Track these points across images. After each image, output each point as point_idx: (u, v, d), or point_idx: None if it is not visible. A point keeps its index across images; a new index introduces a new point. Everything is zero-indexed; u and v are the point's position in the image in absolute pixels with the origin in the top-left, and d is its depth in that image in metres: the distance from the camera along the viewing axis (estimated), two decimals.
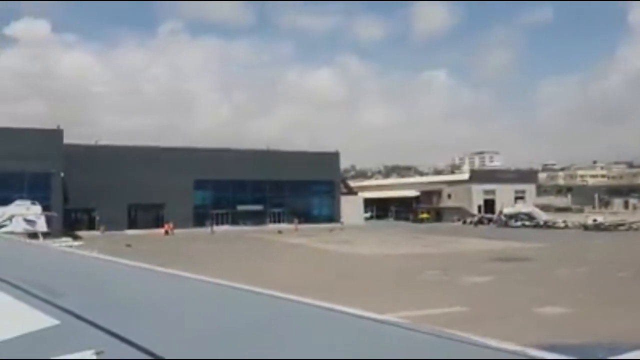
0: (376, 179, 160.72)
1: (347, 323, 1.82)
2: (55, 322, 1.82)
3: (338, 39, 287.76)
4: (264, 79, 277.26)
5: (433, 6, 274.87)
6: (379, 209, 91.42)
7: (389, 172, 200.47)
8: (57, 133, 50.08)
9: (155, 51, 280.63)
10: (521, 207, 67.71)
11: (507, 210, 67.57)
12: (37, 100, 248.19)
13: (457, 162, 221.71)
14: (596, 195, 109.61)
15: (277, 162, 65.77)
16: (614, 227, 57.13)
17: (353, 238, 46.85)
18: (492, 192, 79.89)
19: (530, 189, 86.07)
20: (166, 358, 1.43)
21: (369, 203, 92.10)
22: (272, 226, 64.37)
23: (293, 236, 49.50)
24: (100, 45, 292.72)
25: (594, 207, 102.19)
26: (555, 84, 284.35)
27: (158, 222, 60.11)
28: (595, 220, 59.22)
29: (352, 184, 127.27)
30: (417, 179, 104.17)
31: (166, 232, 56.92)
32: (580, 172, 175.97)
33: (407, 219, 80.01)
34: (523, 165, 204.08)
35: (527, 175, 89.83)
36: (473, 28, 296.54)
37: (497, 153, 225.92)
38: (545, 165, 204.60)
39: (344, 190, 76.16)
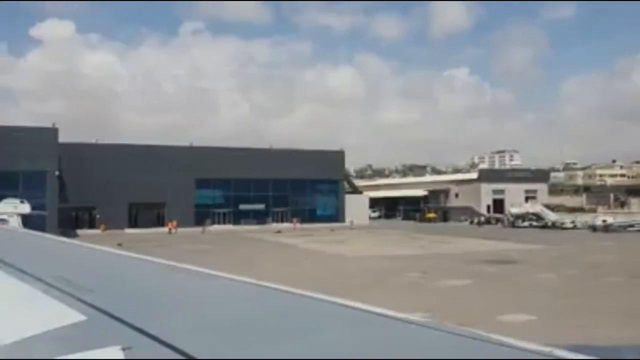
0: (393, 177, 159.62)
1: (366, 320, 1.85)
2: (83, 317, 1.84)
3: (357, 37, 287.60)
4: (283, 78, 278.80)
5: (452, 4, 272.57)
6: (388, 208, 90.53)
7: (406, 171, 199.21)
8: (52, 131, 50.02)
9: (176, 51, 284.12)
10: (529, 207, 65.96)
11: (514, 210, 65.94)
12: (61, 99, 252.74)
13: (476, 161, 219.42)
14: (611, 195, 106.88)
15: (280, 160, 65.18)
16: (624, 228, 55.33)
17: (350, 238, 46.01)
18: (502, 191, 78.23)
19: (542, 188, 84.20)
20: (192, 355, 1.43)
21: (378, 202, 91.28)
22: (274, 225, 63.75)
23: (289, 236, 48.80)
24: (122, 45, 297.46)
25: (609, 207, 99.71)
26: (578, 82, 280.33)
27: (159, 221, 60.01)
28: (604, 221, 57.40)
29: (365, 182, 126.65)
30: (426, 178, 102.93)
31: (169, 231, 56.98)
32: (599, 172, 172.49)
33: (414, 219, 78.82)
34: (544, 164, 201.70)
35: (538, 175, 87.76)
36: (493, 25, 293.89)
37: (517, 152, 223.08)
38: (567, 164, 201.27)
39: (349, 189, 75.11)
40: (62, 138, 51.19)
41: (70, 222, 54.75)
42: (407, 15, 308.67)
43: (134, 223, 58.73)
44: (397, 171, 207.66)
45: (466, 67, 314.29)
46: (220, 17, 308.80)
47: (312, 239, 45.01)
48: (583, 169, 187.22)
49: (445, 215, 78.18)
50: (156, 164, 58.52)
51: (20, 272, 2.77)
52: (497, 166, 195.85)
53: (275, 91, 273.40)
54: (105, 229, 55.27)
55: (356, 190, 77.10)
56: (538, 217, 64.07)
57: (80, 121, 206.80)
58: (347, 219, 67.28)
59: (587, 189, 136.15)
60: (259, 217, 64.96)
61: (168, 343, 1.52)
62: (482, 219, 68.83)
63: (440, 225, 68.84)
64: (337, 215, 69.20)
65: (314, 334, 1.70)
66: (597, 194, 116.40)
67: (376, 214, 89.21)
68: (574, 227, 59.32)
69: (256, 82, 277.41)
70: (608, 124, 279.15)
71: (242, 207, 64.79)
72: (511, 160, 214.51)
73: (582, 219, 62.17)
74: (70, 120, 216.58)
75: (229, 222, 63.64)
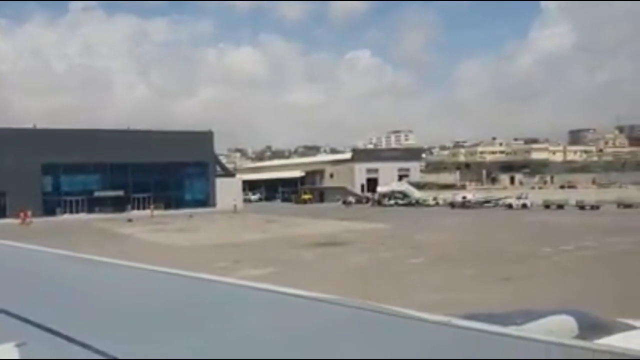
0: (292, 159, 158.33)
1: (286, 303, 1.85)
2: None
3: (260, 17, 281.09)
4: (184, 58, 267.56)
5: None
6: (268, 190, 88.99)
7: (304, 152, 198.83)
8: None
9: (66, 29, 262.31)
10: (394, 186, 66.90)
11: (381, 189, 66.73)
12: None
13: (374, 141, 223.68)
14: (484, 172, 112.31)
15: (141, 143, 60.85)
16: (480, 204, 57.37)
17: (202, 225, 43.58)
18: (376, 170, 79.01)
19: (414, 166, 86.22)
20: (93, 346, 1.39)
21: (259, 185, 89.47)
22: (135, 213, 59.62)
23: (138, 224, 45.46)
24: (6, 22, 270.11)
25: (481, 184, 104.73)
26: (471, 65, 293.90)
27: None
28: (464, 198, 59.26)
29: (252, 165, 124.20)
30: (304, 159, 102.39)
31: (24, 221, 51.31)
32: (480, 149, 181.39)
33: (291, 200, 77.87)
34: (436, 142, 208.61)
35: (411, 154, 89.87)
36: (390, 9, 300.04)
37: (411, 132, 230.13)
38: (457, 142, 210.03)
39: (221, 172, 72.35)
40: None
41: None
42: None
43: None
44: (295, 152, 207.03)
45: (367, 50, 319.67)
46: None
47: (159, 227, 42.11)
48: (472, 146, 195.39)
49: (321, 196, 77.84)
50: None
51: None
52: (393, 145, 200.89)
53: (176, 72, 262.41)
54: None
55: (228, 173, 74.47)
56: (404, 195, 65.14)
57: None
58: (219, 203, 64.75)
59: (467, 165, 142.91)
60: (118, 205, 60.46)
61: (68, 336, 1.44)
62: (350, 199, 68.96)
63: (313, 206, 68.22)
64: (207, 200, 66.27)
65: (225, 320, 1.67)
66: (472, 171, 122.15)
67: (256, 197, 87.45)
68: (436, 204, 60.82)
69: (155, 62, 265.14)
70: (498, 104, 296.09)
71: (98, 194, 60.06)
72: (406, 139, 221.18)
73: (444, 195, 63.88)
74: None
75: (83, 211, 58.78)
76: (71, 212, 58.31)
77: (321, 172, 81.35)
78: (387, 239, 29.59)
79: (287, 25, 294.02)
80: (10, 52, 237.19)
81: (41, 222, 50.81)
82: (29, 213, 52.96)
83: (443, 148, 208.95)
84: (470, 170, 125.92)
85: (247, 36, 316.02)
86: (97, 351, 1.37)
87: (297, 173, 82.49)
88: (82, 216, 56.69)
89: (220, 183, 68.02)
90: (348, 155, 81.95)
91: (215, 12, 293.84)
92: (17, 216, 51.31)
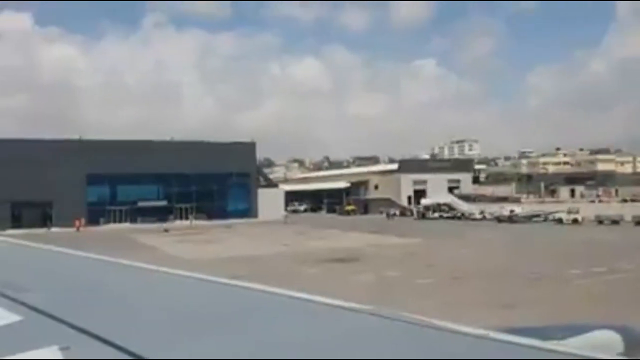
0: (337, 169, 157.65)
1: (325, 313, 1.84)
2: (18, 317, 1.78)
3: (324, 29, 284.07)
4: (248, 71, 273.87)
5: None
6: (315, 201, 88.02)
7: (358, 162, 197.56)
8: None
9: (139, 44, 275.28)
10: (439, 198, 64.29)
11: (424, 201, 64.31)
12: (22, 94, 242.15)
13: (436, 151, 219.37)
14: (542, 184, 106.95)
15: (185, 153, 61.55)
16: (528, 218, 54.04)
17: (230, 236, 43.12)
18: (424, 182, 76.46)
19: (465, 178, 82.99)
20: (132, 351, 1.42)
21: (306, 195, 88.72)
22: (177, 223, 60.30)
23: (170, 235, 45.55)
24: (84, 39, 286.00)
25: (540, 196, 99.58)
26: (539, 72, 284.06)
27: (46, 221, 55.82)
28: (511, 211, 56.05)
29: (302, 175, 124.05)
30: (351, 170, 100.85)
31: (77, 228, 53.48)
32: (542, 160, 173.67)
33: (336, 211, 76.55)
34: (501, 153, 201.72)
35: (462, 164, 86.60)
36: (455, 17, 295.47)
37: (476, 141, 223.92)
38: (522, 152, 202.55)
39: (264, 182, 72.08)
40: (24, 134, 47.29)
41: None
42: (372, 6, 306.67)
43: (17, 223, 54.38)
44: (353, 163, 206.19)
45: (432, 58, 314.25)
46: (183, 10, 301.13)
47: (188, 238, 41.94)
48: (541, 156, 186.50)
49: (366, 208, 76.11)
50: (42, 160, 54.36)
51: None
52: (456, 155, 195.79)
53: (241, 84, 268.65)
54: None
55: (271, 184, 74.11)
56: (450, 207, 62.52)
57: (43, 116, 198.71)
58: (261, 213, 64.39)
59: (529, 177, 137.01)
60: (162, 214, 61.13)
61: (107, 340, 1.48)
62: (394, 211, 66.82)
63: (354, 218, 66.60)
64: (249, 210, 66.02)
65: (259, 325, 1.69)
66: (533, 182, 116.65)
67: (302, 208, 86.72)
68: (483, 218, 57.90)
69: (222, 75, 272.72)
70: (568, 113, 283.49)
71: (141, 204, 60.94)
72: (470, 149, 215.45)
73: (493, 209, 60.72)
74: (33, 116, 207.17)
75: (126, 221, 59.83)
76: (115, 221, 59.47)
77: (366, 183, 79.60)
78: (407, 256, 27.86)
79: (350, 35, 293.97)
80: (87, 68, 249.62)
81: (83, 230, 52.24)
82: (83, 221, 55.00)
83: (507, 158, 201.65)
84: (532, 181, 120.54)
85: (311, 48, 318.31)
86: (135, 356, 1.39)
87: (342, 184, 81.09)
88: (125, 226, 57.66)
89: (262, 194, 67.68)
90: (394, 166, 79.78)
91: (279, 24, 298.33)
92: (63, 225, 53.09)
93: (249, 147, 67.82)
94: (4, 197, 53.01)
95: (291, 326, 1.69)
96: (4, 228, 51.33)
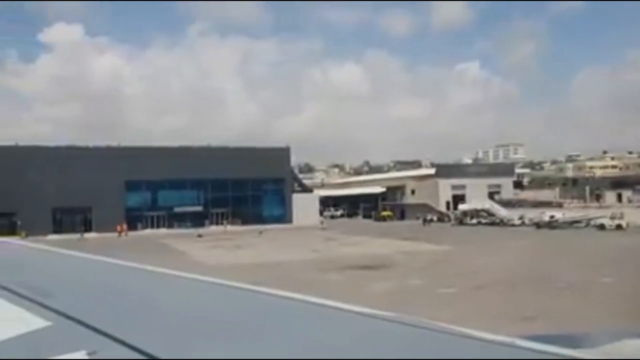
0: (374, 174, 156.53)
1: (334, 317, 1.85)
2: (47, 323, 1.82)
3: (364, 34, 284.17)
4: (290, 77, 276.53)
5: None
6: (351, 206, 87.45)
7: (398, 167, 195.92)
8: None
9: (184, 53, 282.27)
10: (476, 204, 62.71)
11: (462, 207, 62.88)
12: (74, 103, 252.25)
13: (480, 155, 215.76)
14: (587, 188, 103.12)
15: (220, 159, 62.11)
16: (569, 224, 52.08)
17: (260, 242, 43.15)
18: (463, 187, 74.80)
19: (506, 182, 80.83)
20: (158, 356, 1.44)
21: (342, 201, 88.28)
22: (213, 228, 60.93)
23: (203, 240, 45.98)
24: (130, 48, 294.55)
25: (584, 201, 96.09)
26: (586, 74, 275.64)
27: (86, 226, 57.32)
28: (551, 217, 54.14)
29: (339, 180, 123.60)
30: (387, 174, 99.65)
31: (119, 234, 55.28)
32: (589, 164, 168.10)
33: (372, 217, 75.80)
34: (547, 156, 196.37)
35: (503, 169, 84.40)
36: (498, 20, 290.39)
37: (521, 145, 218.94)
38: (569, 156, 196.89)
39: (299, 188, 72.04)
40: (75, 141, 49.47)
41: None
42: (412, 10, 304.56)
43: (58, 228, 56.06)
44: (394, 168, 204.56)
45: (473, 61, 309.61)
46: (226, 17, 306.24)
47: (219, 243, 42.17)
48: (587, 160, 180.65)
49: (402, 213, 75.08)
50: (82, 166, 55.91)
51: None
52: (501, 160, 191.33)
53: (282, 90, 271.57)
54: (27, 235, 52.61)
55: (305, 189, 74.01)
56: (488, 213, 60.96)
57: (94, 124, 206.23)
58: (295, 219, 64.39)
59: (574, 181, 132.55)
60: (197, 220, 61.93)
61: (134, 346, 1.50)
62: (431, 217, 65.60)
63: (389, 224, 65.80)
64: (283, 216, 66.14)
65: (283, 332, 1.70)
66: (579, 187, 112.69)
67: (338, 213, 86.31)
68: (522, 224, 56.20)
69: (263, 81, 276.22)
70: (616, 115, 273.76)
71: (178, 209, 61.87)
72: (515, 153, 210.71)
73: (533, 214, 58.81)
74: (83, 123, 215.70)
75: (163, 226, 60.81)
76: (152, 227, 60.52)
77: (402, 188, 78.49)
78: (435, 263, 27.17)
79: (391, 39, 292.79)
80: (134, 77, 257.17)
81: (124, 235, 53.45)
82: (125, 226, 56.42)
83: (554, 162, 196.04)
84: (577, 186, 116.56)
85: (351, 52, 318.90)
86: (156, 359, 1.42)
87: (377, 189, 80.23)
88: (162, 231, 58.65)
89: (297, 199, 67.68)
90: (431, 171, 78.38)
91: (320, 30, 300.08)
92: (102, 230, 54.58)
93: (284, 153, 67.98)
94: (46, 203, 54.74)
95: (307, 331, 1.69)
96: (45, 233, 53.33)
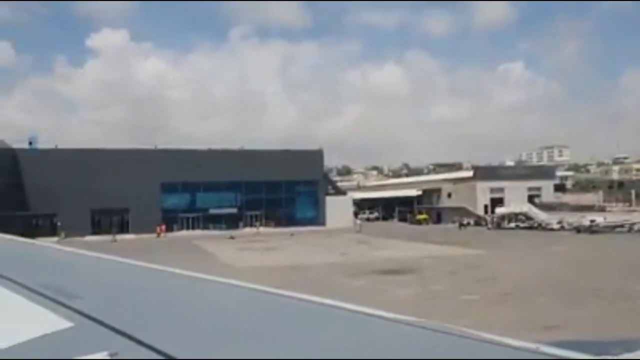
0: (409, 177, 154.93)
1: (355, 321, 1.83)
2: (69, 324, 1.82)
3: (405, 35, 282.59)
4: (331, 79, 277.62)
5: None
6: (387, 209, 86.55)
7: (440, 169, 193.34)
8: None
9: (226, 56, 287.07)
10: (515, 207, 61.01)
11: (500, 210, 61.29)
12: (121, 107, 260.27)
13: (524, 157, 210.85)
14: (633, 191, 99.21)
15: (253, 161, 62.62)
16: (611, 228, 50.07)
17: (290, 245, 43.13)
18: (501, 190, 72.98)
19: (547, 185, 78.46)
20: (179, 358, 1.45)
21: (378, 203, 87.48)
22: (246, 230, 61.39)
23: (234, 242, 46.25)
24: (174, 53, 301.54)
25: (630, 204, 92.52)
26: (636, 73, 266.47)
27: (123, 227, 58.59)
28: (592, 221, 52.16)
29: (376, 182, 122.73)
30: (423, 177, 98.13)
31: (158, 235, 56.54)
32: (635, 166, 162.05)
33: (407, 220, 74.81)
34: (594, 159, 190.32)
35: (544, 171, 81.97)
36: (541, 19, 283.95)
37: (566, 147, 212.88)
38: (616, 158, 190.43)
39: (332, 190, 71.78)
40: (119, 144, 50.99)
41: (30, 229, 53.90)
42: (453, 10, 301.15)
43: (97, 229, 57.47)
44: (434, 170, 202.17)
45: (517, 62, 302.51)
46: (267, 21, 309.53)
47: (249, 245, 42.38)
48: (635, 162, 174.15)
49: (439, 217, 73.82)
50: (119, 169, 57.19)
51: (5, 279, 2.64)
52: (545, 162, 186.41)
53: (322, 92, 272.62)
54: (66, 236, 54.14)
55: (339, 192, 73.68)
56: (527, 217, 59.26)
57: (139, 128, 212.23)
58: (328, 221, 64.20)
59: (620, 184, 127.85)
60: (231, 222, 62.53)
61: (155, 347, 1.51)
62: (467, 220, 64.23)
63: (425, 228, 64.75)
64: (316, 218, 66.08)
65: (306, 336, 1.70)
66: (625, 190, 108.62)
67: (373, 216, 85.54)
68: (561, 228, 54.35)
69: (303, 84, 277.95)
70: None
71: (213, 211, 62.57)
72: (560, 155, 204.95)
73: (574, 218, 56.83)
74: (126, 127, 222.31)
75: (198, 228, 61.61)
76: (187, 228, 61.39)
77: (438, 191, 77.18)
78: (463, 269, 26.44)
79: (431, 40, 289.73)
80: (177, 81, 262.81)
81: (162, 237, 54.42)
82: (163, 227, 57.55)
83: (600, 164, 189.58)
84: (623, 189, 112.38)
85: (391, 54, 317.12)
86: None
87: (413, 192, 79.16)
88: (196, 232, 59.43)
89: (331, 201, 67.49)
90: (469, 173, 76.77)
91: (360, 32, 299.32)
92: (139, 232, 55.80)
93: (317, 155, 67.95)
94: (85, 204, 56.20)
95: (327, 335, 1.68)
96: (83, 234, 54.78)
